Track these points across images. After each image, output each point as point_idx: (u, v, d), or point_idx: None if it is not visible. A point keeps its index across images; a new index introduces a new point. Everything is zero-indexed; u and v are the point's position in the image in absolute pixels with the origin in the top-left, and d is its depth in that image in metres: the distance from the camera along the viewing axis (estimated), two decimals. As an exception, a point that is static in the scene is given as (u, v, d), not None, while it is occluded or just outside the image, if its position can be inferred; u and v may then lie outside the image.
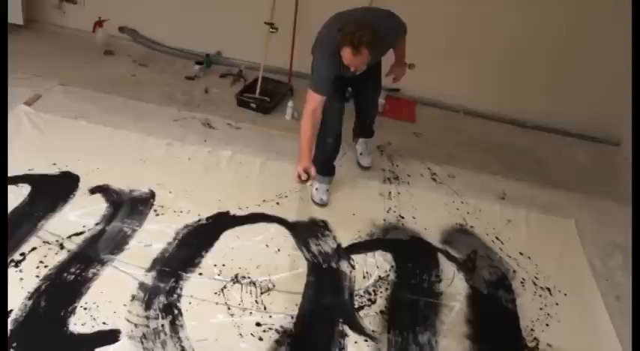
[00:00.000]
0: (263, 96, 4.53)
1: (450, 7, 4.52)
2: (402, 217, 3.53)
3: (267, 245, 3.18)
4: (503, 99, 4.92)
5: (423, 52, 4.65)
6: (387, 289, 3.02)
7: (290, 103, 4.43)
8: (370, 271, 3.11)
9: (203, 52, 5.25)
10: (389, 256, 3.23)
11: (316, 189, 3.63)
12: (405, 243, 3.36)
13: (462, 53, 4.76)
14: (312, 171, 3.17)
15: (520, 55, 4.74)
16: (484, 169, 4.18)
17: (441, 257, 3.28)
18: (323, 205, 3.59)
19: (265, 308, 2.80)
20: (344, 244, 3.26)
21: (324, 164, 3.60)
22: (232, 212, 3.38)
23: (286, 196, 3.55)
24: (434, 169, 4.05)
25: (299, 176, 3.15)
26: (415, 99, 5.08)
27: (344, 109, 3.57)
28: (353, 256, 3.19)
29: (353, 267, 3.12)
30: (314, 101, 3.14)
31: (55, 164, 3.56)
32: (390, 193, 3.74)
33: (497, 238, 3.49)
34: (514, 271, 3.27)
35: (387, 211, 3.56)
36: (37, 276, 2.81)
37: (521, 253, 3.40)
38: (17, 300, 2.68)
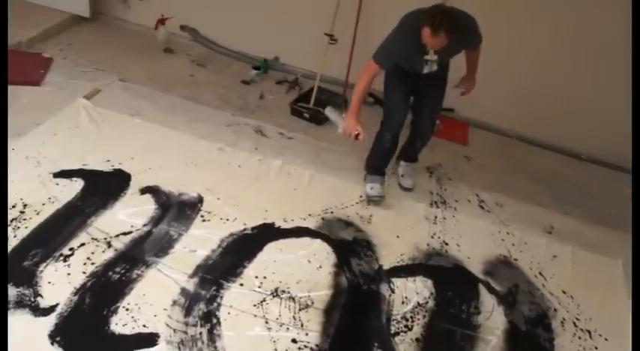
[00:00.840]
0: (317, 106, 4.54)
1: (511, 28, 4.44)
2: (446, 244, 3.50)
3: (309, 260, 3.20)
4: (559, 128, 4.82)
5: (479, 71, 4.62)
6: (424, 316, 3.01)
7: (343, 116, 4.41)
8: (409, 296, 3.10)
9: (261, 57, 5.29)
10: (429, 282, 3.21)
11: (371, 188, 3.71)
12: (446, 270, 3.33)
13: (519, 77, 4.68)
14: (362, 133, 3.31)
15: (581, 89, 4.64)
16: (533, 199, 4.11)
17: (482, 288, 3.25)
18: (381, 197, 3.70)
19: (302, 325, 2.82)
20: (385, 267, 3.26)
21: (378, 163, 3.74)
22: (277, 224, 3.41)
23: (332, 212, 3.56)
24: (482, 196, 4.00)
25: (349, 134, 3.32)
26: (469, 120, 5.02)
27: (406, 113, 3.62)
28: (393, 280, 3.19)
29: (392, 291, 3.11)
30: (372, 69, 3.25)
31: (108, 161, 3.65)
32: (435, 217, 3.71)
33: (540, 273, 3.43)
34: (555, 310, 3.22)
35: (432, 236, 3.54)
36: (84, 272, 2.89)
37: (564, 292, 3.34)
38: (64, 295, 2.76)
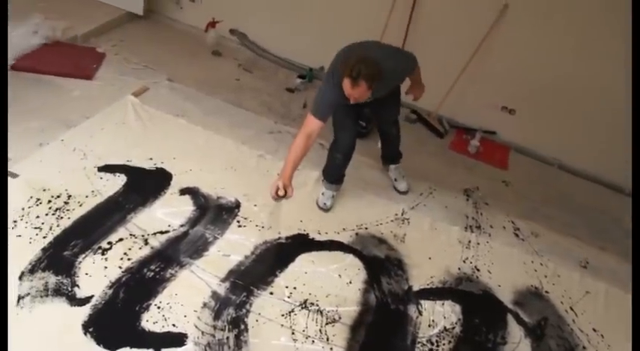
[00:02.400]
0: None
1: (562, 54, 4.39)
2: (478, 270, 3.48)
3: (339, 275, 3.22)
4: (603, 160, 4.74)
5: (523, 96, 4.61)
6: (450, 341, 3.00)
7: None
8: (437, 320, 3.10)
9: (307, 66, 5.33)
10: (458, 307, 3.21)
11: (322, 193, 3.74)
12: (476, 297, 3.31)
13: (566, 104, 4.61)
14: (290, 191, 3.09)
15: (630, 123, 4.56)
16: (570, 231, 4.05)
17: (510, 319, 3.22)
18: (326, 210, 3.69)
19: (328, 339, 2.85)
20: (415, 288, 3.26)
21: (332, 174, 3.72)
22: (311, 236, 3.44)
23: (366, 228, 3.58)
24: (518, 224, 3.97)
25: (276, 191, 3.06)
26: (510, 144, 4.99)
27: (356, 129, 3.63)
28: (422, 302, 3.19)
29: (420, 313, 3.12)
30: (312, 124, 3.10)
31: (151, 159, 3.73)
32: (469, 241, 3.69)
33: (571, 308, 3.39)
34: (584, 348, 3.17)
35: (464, 261, 3.53)
36: (120, 267, 2.97)
37: (594, 330, 3.29)
38: (99, 287, 2.85)
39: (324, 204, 3.69)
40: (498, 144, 4.99)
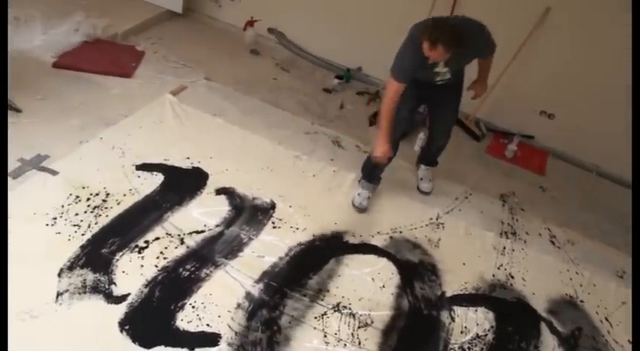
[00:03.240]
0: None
1: (599, 60, 4.31)
2: (512, 277, 3.45)
3: (373, 279, 3.22)
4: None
5: (563, 101, 4.53)
6: (482, 349, 2.98)
7: (421, 134, 4.39)
8: (469, 326, 3.08)
9: (344, 66, 5.33)
10: (491, 315, 3.18)
11: (358, 194, 3.74)
12: (509, 304, 3.28)
13: (606, 109, 4.53)
14: (390, 153, 3.30)
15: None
16: (607, 240, 3.99)
17: (544, 327, 3.19)
18: (361, 210, 3.69)
19: (360, 343, 2.85)
20: (448, 293, 3.25)
21: (371, 170, 3.71)
22: (346, 238, 3.44)
23: (400, 232, 3.57)
24: (554, 231, 3.92)
25: (381, 160, 3.31)
26: (548, 149, 4.92)
27: (410, 122, 3.65)
28: (455, 308, 3.17)
29: (453, 319, 3.10)
30: (394, 87, 3.18)
31: (188, 158, 3.77)
32: (504, 248, 3.66)
33: (606, 319, 3.34)
34: (618, 360, 3.12)
35: (498, 268, 3.50)
36: (156, 266, 3.01)
37: (629, 341, 3.22)
38: (135, 286, 2.89)
39: (360, 204, 3.69)
40: (536, 149, 4.93)
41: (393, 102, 3.20)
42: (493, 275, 3.44)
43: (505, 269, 3.50)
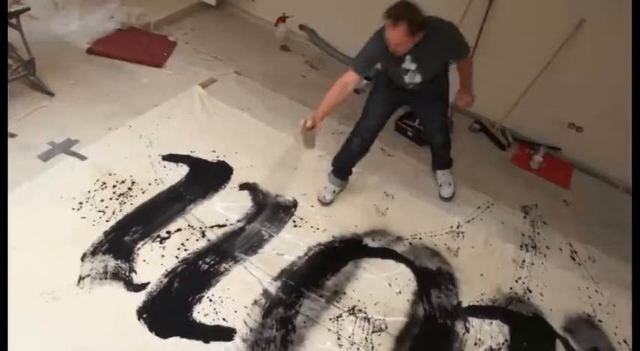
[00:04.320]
0: (421, 126, 4.52)
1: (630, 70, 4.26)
2: (530, 291, 3.43)
3: (389, 284, 3.22)
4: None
5: (593, 114, 4.48)
6: (495, 362, 2.97)
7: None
8: (483, 338, 3.07)
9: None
10: (506, 328, 3.16)
11: (325, 187, 3.71)
12: (525, 319, 3.25)
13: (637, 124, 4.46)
14: (319, 127, 3.17)
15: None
16: (630, 260, 3.94)
17: (559, 345, 3.15)
18: (325, 203, 3.66)
19: (373, 348, 2.87)
20: (464, 304, 3.23)
21: (341, 165, 3.72)
22: (365, 241, 3.45)
23: (420, 238, 3.56)
24: (575, 247, 3.87)
25: (304, 122, 3.12)
26: (574, 162, 4.87)
27: (383, 122, 3.57)
28: (470, 319, 3.15)
29: (467, 330, 3.09)
30: (348, 77, 3.13)
31: (214, 151, 3.80)
32: (523, 261, 3.63)
33: (625, 341, 3.28)
34: (634, 382, 3.09)
35: (516, 280, 3.47)
36: (177, 257, 3.05)
37: (647, 363, 3.20)
38: (155, 275, 2.94)
39: (324, 197, 3.67)
40: (562, 161, 4.87)
41: (340, 90, 3.16)
42: (510, 288, 3.41)
43: (523, 283, 3.47)
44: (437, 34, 2.97)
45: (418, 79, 3.24)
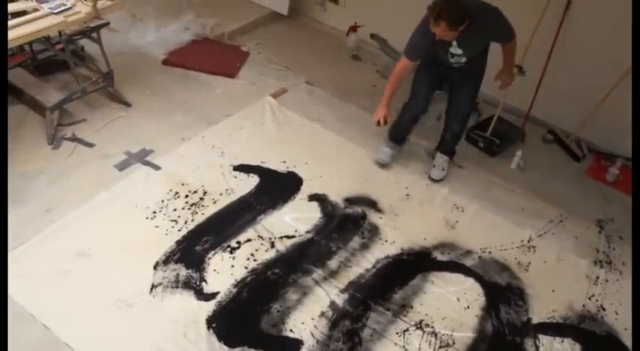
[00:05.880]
0: (493, 136, 4.45)
1: None
2: (604, 309, 3.32)
3: (458, 299, 3.18)
4: None
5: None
6: (566, 382, 2.90)
7: (519, 152, 4.27)
8: (554, 357, 2.99)
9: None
10: (578, 347, 3.06)
11: (383, 151, 4.06)
12: (598, 338, 3.14)
13: None
14: (389, 119, 3.65)
15: None
16: None
17: (635, 366, 3.05)
18: (382, 164, 4.01)
19: (440, 364, 2.83)
20: (534, 320, 3.15)
21: (395, 132, 4.07)
22: (434, 255, 3.42)
23: (490, 252, 3.50)
24: (653, 264, 3.73)
25: (378, 122, 3.61)
26: (654, 175, 4.69)
27: (427, 99, 3.84)
28: (540, 336, 3.08)
29: (537, 347, 3.02)
30: (403, 62, 3.48)
31: (284, 162, 3.86)
32: (597, 277, 3.51)
33: (703, 363, 3.16)
34: None
35: (589, 298, 3.37)
36: (246, 267, 3.12)
37: None
38: (225, 285, 3.01)
39: (381, 158, 4.02)
40: (641, 173, 4.70)
41: (399, 75, 3.52)
42: (583, 305, 3.31)
43: (597, 300, 3.37)
44: (482, 20, 3.15)
45: (463, 59, 3.46)
